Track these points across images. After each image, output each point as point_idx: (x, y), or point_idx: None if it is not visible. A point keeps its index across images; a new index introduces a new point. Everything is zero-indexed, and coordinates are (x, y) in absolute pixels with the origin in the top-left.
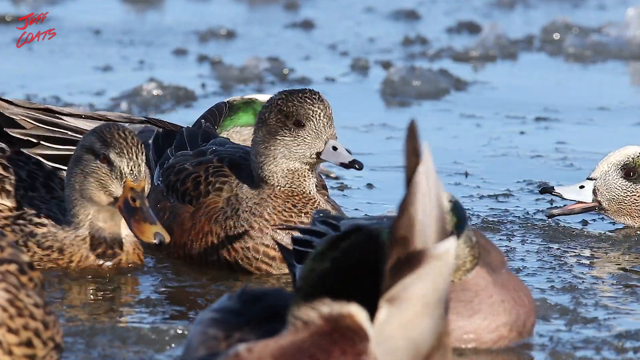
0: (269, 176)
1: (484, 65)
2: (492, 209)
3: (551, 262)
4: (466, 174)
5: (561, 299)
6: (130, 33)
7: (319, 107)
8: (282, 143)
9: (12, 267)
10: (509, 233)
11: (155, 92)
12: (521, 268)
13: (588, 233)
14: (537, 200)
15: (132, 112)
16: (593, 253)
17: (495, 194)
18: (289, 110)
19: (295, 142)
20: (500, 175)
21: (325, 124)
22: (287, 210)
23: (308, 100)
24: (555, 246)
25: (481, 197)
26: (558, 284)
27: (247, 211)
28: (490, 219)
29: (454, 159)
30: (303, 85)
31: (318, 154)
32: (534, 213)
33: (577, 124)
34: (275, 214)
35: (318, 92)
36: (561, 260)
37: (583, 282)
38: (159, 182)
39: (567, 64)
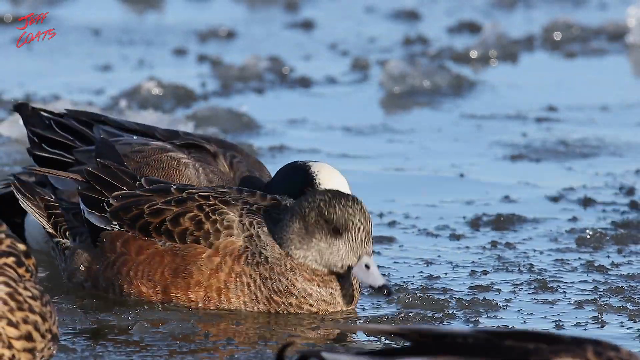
0: (298, 260)
1: (484, 65)
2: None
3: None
4: (461, 176)
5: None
6: (130, 33)
7: (359, 220)
8: (316, 247)
9: (10, 260)
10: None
11: (154, 91)
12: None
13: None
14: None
15: (132, 110)
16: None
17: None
18: (330, 216)
19: (330, 249)
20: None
21: (363, 238)
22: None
23: (350, 210)
24: (553, 247)
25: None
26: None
27: (282, 273)
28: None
29: (451, 161)
30: (303, 86)
31: (349, 267)
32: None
33: (578, 124)
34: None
35: (361, 202)
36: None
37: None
38: (114, 225)
39: (568, 61)
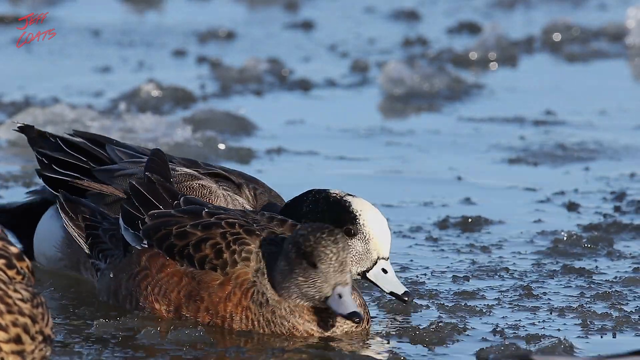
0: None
1: (484, 68)
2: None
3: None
4: (459, 178)
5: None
6: (129, 34)
7: (331, 251)
8: (295, 281)
9: (0, 262)
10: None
11: (154, 94)
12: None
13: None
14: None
15: (131, 113)
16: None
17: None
18: (306, 250)
19: (307, 282)
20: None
21: (337, 269)
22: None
23: (323, 242)
24: (540, 249)
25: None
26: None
27: (283, 316)
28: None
29: (449, 164)
30: (302, 88)
31: (326, 298)
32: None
33: (577, 128)
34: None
35: (336, 233)
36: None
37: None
38: (144, 245)
39: (567, 65)
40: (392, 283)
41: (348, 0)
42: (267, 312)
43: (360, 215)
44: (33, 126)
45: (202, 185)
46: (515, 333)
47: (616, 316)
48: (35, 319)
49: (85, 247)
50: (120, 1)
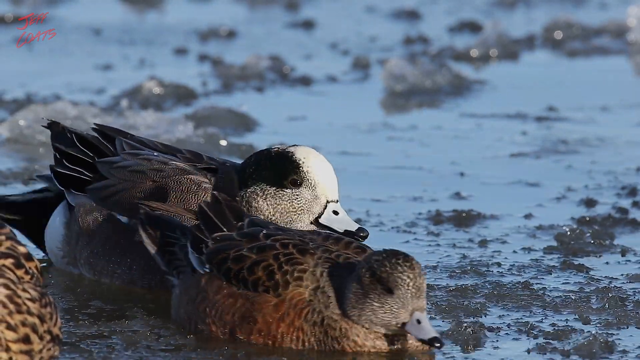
0: (353, 318)
1: (485, 64)
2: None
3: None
4: (462, 174)
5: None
6: (130, 32)
7: (408, 276)
8: (370, 306)
9: (9, 262)
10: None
11: (155, 91)
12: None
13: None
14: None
15: (133, 110)
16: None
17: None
18: (381, 275)
19: (383, 308)
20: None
21: (414, 294)
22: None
23: (399, 268)
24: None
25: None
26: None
27: (335, 338)
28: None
29: (451, 159)
30: (304, 85)
31: (403, 324)
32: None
33: (578, 124)
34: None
35: (412, 259)
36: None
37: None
38: (206, 269)
39: (569, 61)
40: (344, 222)
41: None
42: (320, 332)
43: (303, 163)
44: (59, 123)
45: (191, 179)
46: (514, 327)
47: (615, 311)
48: (43, 318)
49: (161, 264)
50: (120, 1)
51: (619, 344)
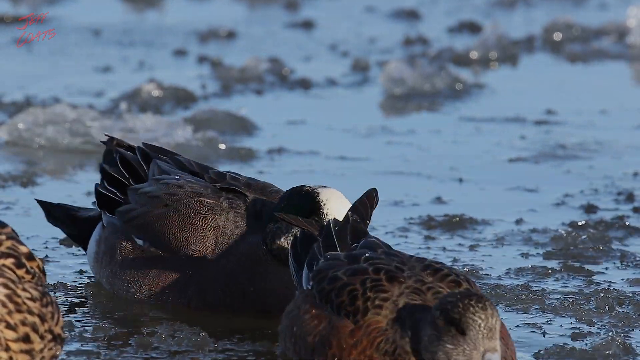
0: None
1: (484, 67)
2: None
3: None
4: (460, 180)
5: None
6: (130, 33)
7: (480, 317)
8: (443, 348)
9: (9, 261)
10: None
11: (154, 93)
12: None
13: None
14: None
15: (132, 113)
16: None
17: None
18: (454, 317)
19: (456, 350)
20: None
21: (485, 335)
22: None
23: (472, 309)
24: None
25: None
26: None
27: None
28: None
29: (450, 164)
30: (303, 87)
31: None
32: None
33: (577, 128)
34: None
35: (485, 300)
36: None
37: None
38: (309, 286)
39: (568, 64)
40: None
41: (348, 0)
42: None
43: (324, 204)
44: (113, 138)
45: (200, 202)
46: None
47: (615, 315)
48: (44, 317)
49: (296, 283)
50: (120, 1)
51: (636, 346)
